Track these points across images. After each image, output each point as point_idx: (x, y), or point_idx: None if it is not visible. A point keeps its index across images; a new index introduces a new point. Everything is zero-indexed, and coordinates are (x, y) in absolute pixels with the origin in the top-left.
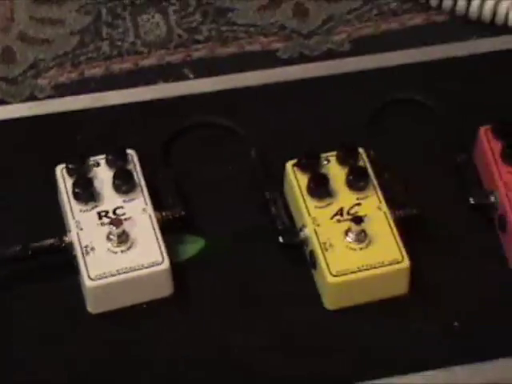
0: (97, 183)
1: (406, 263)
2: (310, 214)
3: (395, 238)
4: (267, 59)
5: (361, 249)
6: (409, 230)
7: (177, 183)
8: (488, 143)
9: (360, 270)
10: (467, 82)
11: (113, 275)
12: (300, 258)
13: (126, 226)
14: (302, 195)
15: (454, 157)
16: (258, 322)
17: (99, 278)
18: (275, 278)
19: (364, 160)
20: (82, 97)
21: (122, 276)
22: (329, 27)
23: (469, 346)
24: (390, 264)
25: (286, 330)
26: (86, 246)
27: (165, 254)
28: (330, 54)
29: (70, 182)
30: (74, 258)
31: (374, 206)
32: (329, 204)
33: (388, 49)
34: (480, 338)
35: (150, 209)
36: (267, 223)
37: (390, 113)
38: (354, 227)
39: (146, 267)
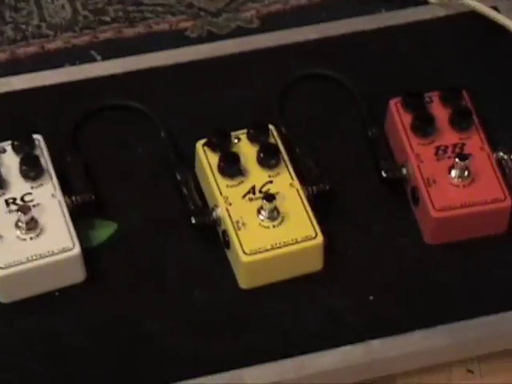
0: (3, 170)
1: (320, 239)
2: (221, 194)
3: (308, 214)
4: (176, 39)
5: (274, 227)
6: (322, 206)
7: (86, 167)
8: (398, 116)
9: (273, 248)
10: (377, 55)
11: (23, 263)
12: (213, 239)
13: (34, 212)
14: (213, 175)
15: (365, 131)
16: (172, 305)
17: (9, 267)
18: (189, 259)
19: (275, 137)
20: None
21: (33, 263)
22: (237, 4)
23: (384, 319)
24: (304, 241)
25: (200, 312)
26: None
27: (75, 240)
28: (239, 32)
29: None
30: None
31: (286, 184)
32: (240, 183)
33: (297, 24)
34: (395, 311)
35: (58, 194)
36: (179, 204)
37: (300, 88)
38: (267, 205)
39: (57, 253)
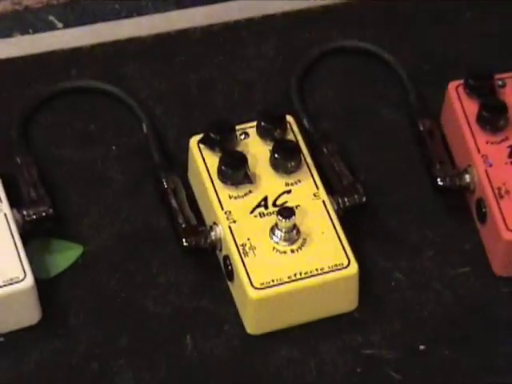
0: None
1: (354, 269)
2: (222, 208)
3: (338, 235)
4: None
5: (292, 252)
6: (356, 225)
7: (40, 172)
8: (460, 104)
9: (291, 281)
10: (428, 24)
11: None
12: (211, 267)
13: None
14: (212, 181)
15: (415, 124)
16: (154, 355)
17: None
18: (178, 294)
19: (294, 131)
20: None
21: None
22: None
23: (439, 376)
24: (333, 271)
25: (192, 365)
26: None
27: (27, 268)
28: None
29: None
30: None
31: (309, 194)
32: (248, 192)
33: None
34: (453, 366)
35: (5, 207)
36: (165, 220)
37: (327, 67)
38: (283, 223)
39: (2, 286)
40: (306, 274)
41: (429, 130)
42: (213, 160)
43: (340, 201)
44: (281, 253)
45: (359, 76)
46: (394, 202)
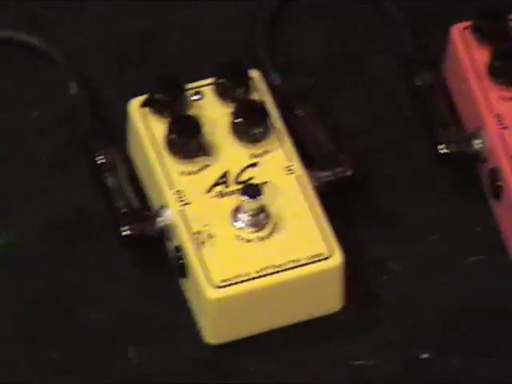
0: None
1: (338, 260)
2: (172, 186)
3: (318, 218)
4: None
5: (260, 239)
6: (340, 205)
7: None
8: (467, 51)
9: (260, 276)
10: None
11: None
12: (159, 261)
13: None
14: (159, 154)
15: (412, 77)
16: (91, 369)
17: None
18: (119, 294)
19: (260, 90)
20: None
21: None
22: None
23: None
24: (312, 262)
25: (138, 381)
26: None
27: None
28: None
29: None
30: None
31: (280, 168)
32: (204, 167)
33: None
34: (464, 377)
35: None
36: (101, 204)
37: (300, 10)
38: (248, 204)
39: None
40: (277, 267)
41: (429, 85)
42: (159, 127)
43: (319, 175)
44: (246, 241)
45: (341, 18)
46: (388, 176)
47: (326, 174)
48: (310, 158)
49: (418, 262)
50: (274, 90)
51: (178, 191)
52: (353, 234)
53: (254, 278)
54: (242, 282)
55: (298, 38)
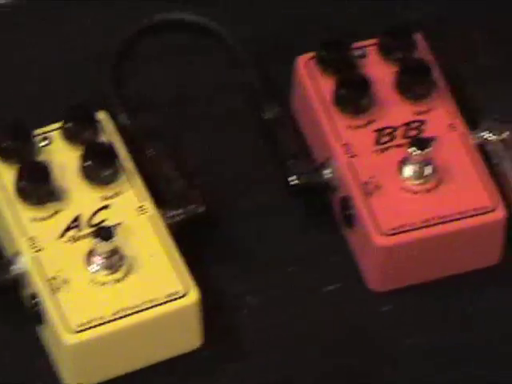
0: None
1: (194, 297)
2: (24, 233)
3: (172, 256)
4: None
5: (115, 282)
6: (195, 241)
7: None
8: (312, 81)
9: (117, 318)
10: None
11: None
12: (14, 308)
13: None
14: (10, 201)
15: (260, 111)
16: None
17: None
18: None
19: (109, 131)
20: None
21: None
22: None
23: None
24: (167, 301)
25: None
26: None
27: None
28: None
29: None
30: None
31: (132, 208)
32: (56, 212)
33: None
34: None
35: None
36: None
37: (149, 45)
38: (101, 246)
39: None
40: (134, 308)
41: (277, 118)
42: (8, 173)
43: (172, 214)
44: (101, 284)
45: (189, 56)
46: (242, 210)
47: (179, 212)
48: (162, 196)
49: (275, 294)
50: (122, 130)
51: (30, 238)
52: (209, 271)
53: (110, 321)
54: (98, 325)
55: (146, 77)
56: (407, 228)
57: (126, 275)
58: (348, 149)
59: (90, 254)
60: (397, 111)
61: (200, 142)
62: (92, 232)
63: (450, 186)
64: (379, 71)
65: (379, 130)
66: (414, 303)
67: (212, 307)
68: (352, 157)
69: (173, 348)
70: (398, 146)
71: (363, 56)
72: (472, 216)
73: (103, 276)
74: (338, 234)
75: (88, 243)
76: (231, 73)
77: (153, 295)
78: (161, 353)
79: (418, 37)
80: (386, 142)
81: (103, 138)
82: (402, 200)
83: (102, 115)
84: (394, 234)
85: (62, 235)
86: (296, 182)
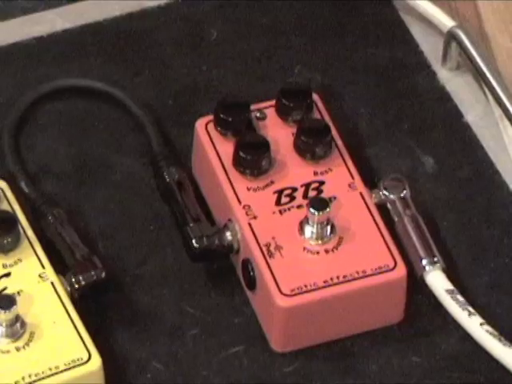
0: None
1: (97, 363)
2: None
3: (74, 323)
4: None
5: (18, 350)
6: (98, 308)
7: None
8: (211, 145)
9: None
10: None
11: None
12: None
13: None
14: None
15: (160, 175)
16: None
17: None
18: None
19: (8, 199)
20: None
21: None
22: None
23: None
24: (70, 368)
25: None
26: None
27: None
28: None
29: None
30: None
31: (32, 276)
32: None
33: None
34: None
35: None
36: None
37: (44, 112)
38: (2, 315)
39: None
40: (37, 376)
41: (178, 181)
42: None
43: (74, 280)
44: (3, 353)
45: (87, 121)
46: (145, 275)
47: (80, 278)
48: (64, 263)
49: (179, 358)
50: (23, 198)
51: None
52: (112, 336)
53: None
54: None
55: (45, 143)
56: (309, 288)
57: (27, 343)
58: (248, 210)
59: None
60: (296, 172)
61: (101, 209)
62: None
63: (351, 245)
64: (278, 132)
65: (279, 191)
66: (318, 363)
67: (115, 372)
68: (253, 218)
69: None
70: (299, 206)
71: (262, 118)
72: (373, 275)
73: (5, 345)
74: (242, 295)
75: None
76: (131, 137)
77: (56, 362)
78: None
79: (315, 97)
80: (286, 203)
81: (3, 206)
82: (303, 260)
83: (1, 184)
84: (295, 295)
85: None
86: (197, 245)
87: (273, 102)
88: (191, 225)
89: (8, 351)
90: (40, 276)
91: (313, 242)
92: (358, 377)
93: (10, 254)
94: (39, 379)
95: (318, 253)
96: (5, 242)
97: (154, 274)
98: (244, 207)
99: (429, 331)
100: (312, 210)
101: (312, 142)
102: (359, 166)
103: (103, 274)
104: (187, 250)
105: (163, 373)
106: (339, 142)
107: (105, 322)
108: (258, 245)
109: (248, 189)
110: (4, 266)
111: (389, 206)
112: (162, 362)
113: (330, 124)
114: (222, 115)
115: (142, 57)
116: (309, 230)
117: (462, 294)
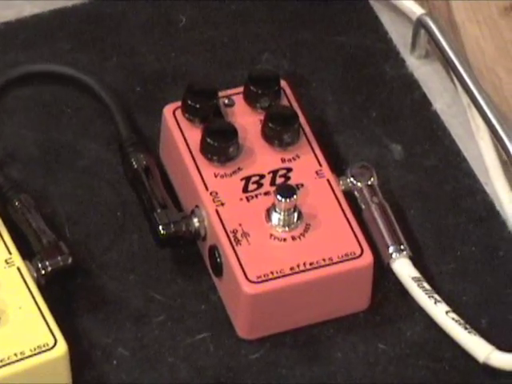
0: None
1: (62, 348)
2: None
3: (40, 309)
4: None
5: None
6: (64, 293)
7: None
8: (179, 131)
9: None
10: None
11: None
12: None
13: None
14: None
15: (127, 161)
16: None
17: None
18: None
19: None
20: None
21: None
22: None
23: None
24: (36, 354)
25: None
26: None
27: None
28: None
29: None
30: None
31: None
32: None
33: None
34: None
35: None
36: None
37: (11, 98)
38: None
39: None
40: (3, 361)
41: (145, 167)
42: None
43: (41, 265)
44: None
45: (55, 107)
46: (111, 261)
47: (47, 264)
48: (30, 249)
49: (145, 344)
50: None
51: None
52: (78, 322)
53: None
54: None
55: (11, 130)
56: (275, 275)
57: None
58: (216, 197)
59: None
60: (264, 159)
61: (68, 194)
62: None
63: (318, 232)
64: (246, 119)
65: (247, 178)
66: (284, 350)
67: (81, 359)
68: (220, 205)
69: None
70: (266, 193)
71: (230, 104)
72: (340, 262)
73: None
74: (208, 282)
75: None
76: (99, 123)
77: (22, 347)
78: None
79: (284, 84)
80: (253, 190)
81: None
82: (269, 247)
83: None
84: (261, 282)
85: None
86: (164, 231)
87: (241, 89)
88: (158, 211)
89: None
90: (6, 261)
91: (280, 229)
92: (323, 364)
93: None
94: (4, 365)
95: (284, 240)
96: None
97: (120, 260)
98: (211, 194)
99: (395, 319)
100: (279, 197)
101: (280, 129)
102: (327, 153)
103: (70, 260)
104: (154, 236)
105: (129, 359)
106: (307, 129)
107: (71, 308)
108: (225, 231)
109: (215, 175)
110: None
111: (356, 193)
112: (128, 349)
113: (298, 111)
114: (189, 102)
115: (110, 43)
116: (276, 217)
117: (429, 281)
